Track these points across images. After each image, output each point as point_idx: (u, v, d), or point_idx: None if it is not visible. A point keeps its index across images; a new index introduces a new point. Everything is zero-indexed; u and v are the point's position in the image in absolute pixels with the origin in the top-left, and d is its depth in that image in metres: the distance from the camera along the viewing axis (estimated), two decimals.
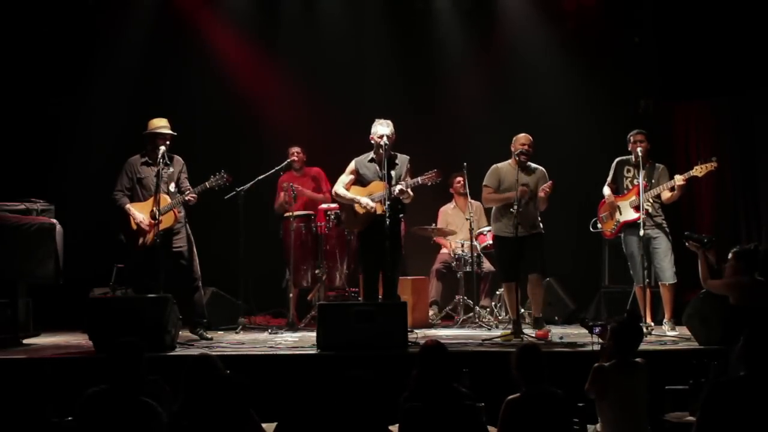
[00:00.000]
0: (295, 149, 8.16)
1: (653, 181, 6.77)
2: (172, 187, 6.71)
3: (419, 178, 6.56)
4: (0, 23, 8.21)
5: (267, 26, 9.11)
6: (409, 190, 6.53)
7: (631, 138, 6.83)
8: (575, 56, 8.71)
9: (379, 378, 3.50)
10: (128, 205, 6.69)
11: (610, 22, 8.79)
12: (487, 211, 8.27)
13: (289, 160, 8.01)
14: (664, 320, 6.67)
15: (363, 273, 6.94)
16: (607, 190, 7.01)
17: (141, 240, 6.62)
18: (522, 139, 6.82)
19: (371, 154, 6.72)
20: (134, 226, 6.65)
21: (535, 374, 3.93)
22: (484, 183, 6.95)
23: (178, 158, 6.87)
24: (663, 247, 6.71)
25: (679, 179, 6.62)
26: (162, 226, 6.54)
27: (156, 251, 6.52)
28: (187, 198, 6.64)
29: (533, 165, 6.86)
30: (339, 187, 6.80)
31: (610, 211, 6.96)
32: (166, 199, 6.62)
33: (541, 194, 6.63)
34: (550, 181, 6.66)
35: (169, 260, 6.64)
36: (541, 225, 6.83)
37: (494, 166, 6.94)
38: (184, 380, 3.81)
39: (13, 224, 6.82)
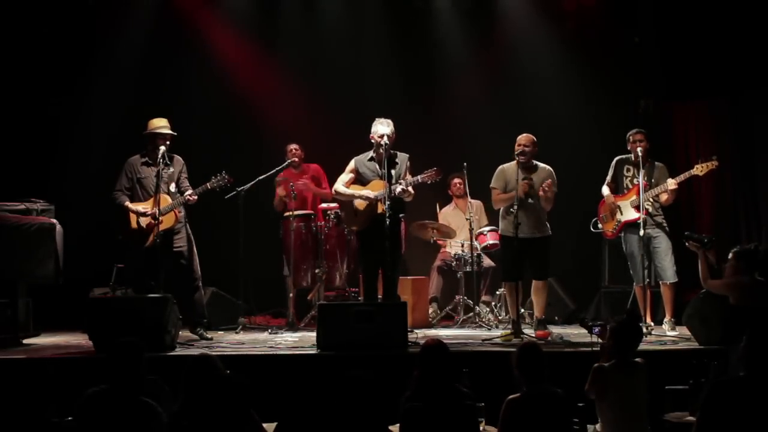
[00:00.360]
0: (293, 146, 8.14)
1: (653, 180, 6.77)
2: (172, 187, 6.71)
3: (419, 177, 6.55)
4: (0, 23, 8.20)
5: (267, 26, 9.10)
6: (410, 188, 6.53)
7: (630, 138, 6.83)
8: (575, 56, 8.71)
9: (379, 378, 3.50)
10: (127, 202, 6.68)
11: (610, 22, 8.78)
12: (488, 211, 8.29)
13: (289, 161, 8.00)
14: (665, 320, 6.68)
15: (363, 273, 6.95)
16: (606, 190, 7.01)
17: (141, 240, 6.61)
18: (521, 139, 6.81)
19: (371, 153, 6.72)
20: (134, 225, 6.64)
21: (536, 373, 3.94)
22: (491, 185, 6.93)
23: (178, 158, 6.87)
24: (663, 246, 6.72)
25: (671, 183, 6.63)
26: (162, 227, 6.54)
27: (156, 251, 6.52)
28: (187, 198, 6.64)
29: (540, 164, 6.85)
30: (339, 185, 6.80)
31: (611, 210, 6.96)
32: (166, 200, 6.62)
33: (540, 194, 6.63)
34: (548, 181, 6.66)
35: (169, 260, 6.64)
36: (548, 226, 6.83)
37: (500, 167, 6.92)
38: (184, 380, 3.81)
39: (13, 224, 6.82)
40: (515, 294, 6.63)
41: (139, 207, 6.62)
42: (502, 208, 6.92)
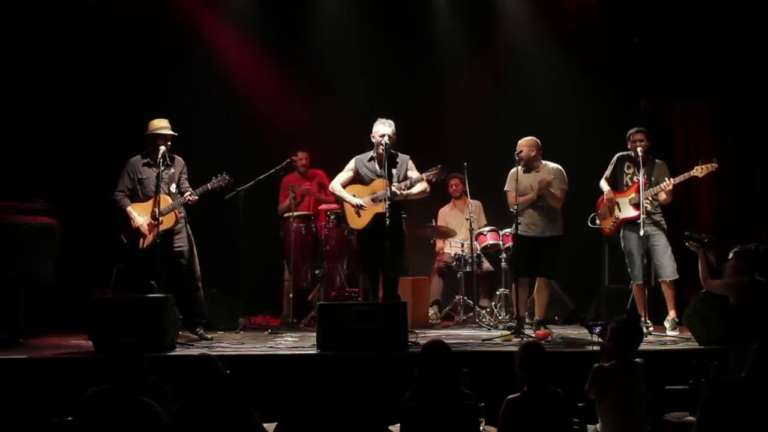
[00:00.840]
0: (303, 154, 8.16)
1: (653, 179, 6.76)
2: (173, 187, 6.71)
3: (423, 175, 6.56)
4: (0, 23, 8.20)
5: (267, 26, 9.10)
6: (418, 184, 6.53)
7: (631, 137, 6.82)
8: (575, 56, 8.71)
9: (379, 378, 3.50)
10: (129, 208, 6.68)
11: (610, 22, 8.79)
12: (487, 211, 8.30)
13: (288, 160, 7.99)
14: (667, 317, 6.67)
15: (363, 273, 6.94)
16: (605, 185, 6.99)
17: (141, 241, 6.61)
18: (518, 144, 6.82)
19: (371, 153, 6.71)
20: (135, 226, 6.64)
21: (538, 372, 3.94)
22: (505, 188, 6.92)
23: (178, 159, 6.86)
24: (662, 244, 6.71)
25: (667, 184, 6.62)
26: (163, 227, 6.53)
27: (156, 251, 6.52)
28: (187, 199, 6.64)
29: (549, 164, 6.85)
30: (336, 183, 6.80)
31: (609, 206, 6.95)
32: (166, 200, 6.61)
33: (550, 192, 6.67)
34: (546, 180, 6.67)
35: (169, 260, 6.63)
36: (560, 225, 6.82)
37: (512, 170, 6.88)
38: (184, 380, 3.81)
39: (13, 224, 6.82)
40: (518, 292, 6.65)
41: (139, 220, 6.60)
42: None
